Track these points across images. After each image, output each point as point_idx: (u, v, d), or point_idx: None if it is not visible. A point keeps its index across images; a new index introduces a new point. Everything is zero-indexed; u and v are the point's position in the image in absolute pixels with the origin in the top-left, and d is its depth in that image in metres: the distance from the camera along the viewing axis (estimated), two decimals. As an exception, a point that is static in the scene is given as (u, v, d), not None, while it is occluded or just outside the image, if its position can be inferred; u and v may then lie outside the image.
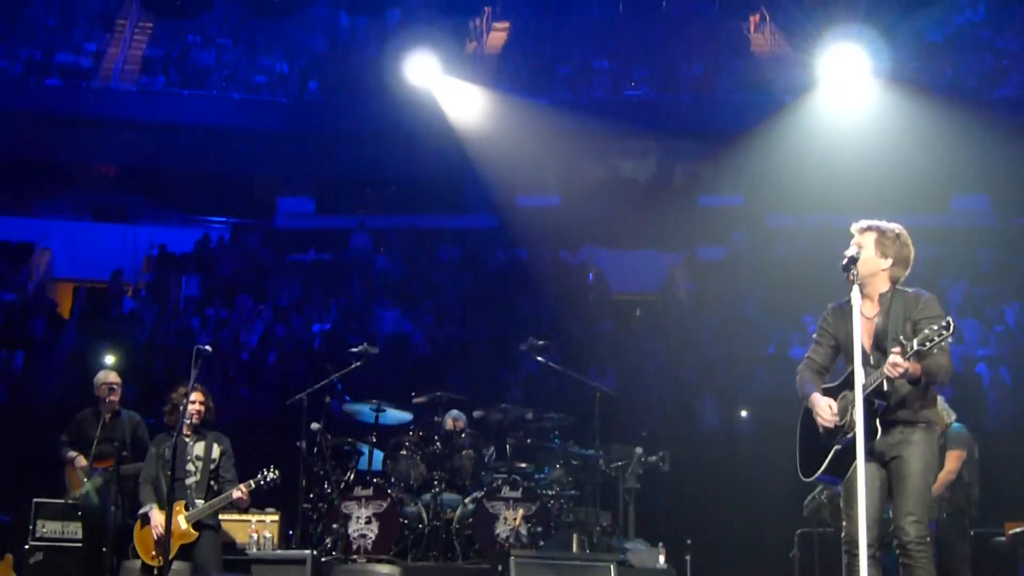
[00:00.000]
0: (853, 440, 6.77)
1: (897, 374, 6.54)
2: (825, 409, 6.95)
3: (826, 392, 7.09)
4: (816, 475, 7.12)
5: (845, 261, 6.75)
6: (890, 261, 7.00)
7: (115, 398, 11.51)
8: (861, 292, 6.82)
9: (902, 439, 6.76)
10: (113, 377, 11.60)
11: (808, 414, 7.24)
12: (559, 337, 18.34)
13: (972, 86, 24.13)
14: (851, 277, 6.70)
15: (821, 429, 7.02)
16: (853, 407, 6.77)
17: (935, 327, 6.48)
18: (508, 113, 22.89)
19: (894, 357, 6.50)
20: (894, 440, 6.69)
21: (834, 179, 21.13)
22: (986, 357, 17.76)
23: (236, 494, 9.50)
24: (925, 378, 6.72)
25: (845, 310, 7.14)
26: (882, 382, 6.72)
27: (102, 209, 26.62)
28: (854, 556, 6.83)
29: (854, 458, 6.86)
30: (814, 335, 7.39)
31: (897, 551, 6.64)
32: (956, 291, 20.95)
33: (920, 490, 6.79)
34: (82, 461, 11.21)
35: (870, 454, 6.81)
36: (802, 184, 22.17)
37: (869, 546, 6.84)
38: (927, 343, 6.47)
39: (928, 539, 6.83)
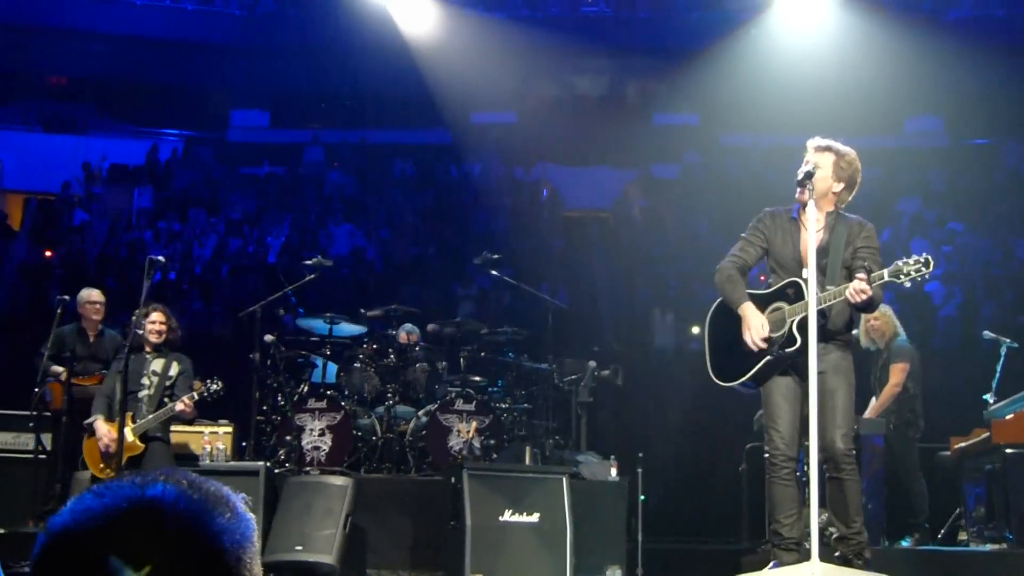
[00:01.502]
0: (787, 353, 6.87)
1: (860, 299, 6.61)
2: (758, 330, 6.99)
3: (752, 299, 7.15)
4: (738, 381, 7.18)
5: (801, 176, 6.78)
6: (842, 185, 7.07)
7: (99, 316, 11.50)
8: (807, 206, 6.89)
9: (825, 356, 6.82)
10: (97, 295, 11.57)
11: (726, 315, 7.27)
12: (512, 253, 18.36)
13: (928, 7, 24.12)
14: (807, 192, 6.74)
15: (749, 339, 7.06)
16: (794, 321, 6.85)
17: (910, 261, 6.54)
18: (464, 28, 22.70)
19: (861, 284, 6.55)
20: (819, 355, 6.72)
21: (788, 99, 21.14)
22: (935, 276, 17.92)
23: (179, 406, 9.51)
24: (871, 304, 6.82)
25: (781, 218, 7.22)
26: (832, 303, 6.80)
27: (53, 120, 26.30)
28: (780, 469, 6.97)
29: (778, 369, 6.97)
30: (744, 234, 7.39)
31: (825, 465, 6.72)
32: (907, 211, 21.12)
33: (846, 405, 6.94)
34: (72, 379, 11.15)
35: (792, 368, 6.92)
36: (756, 104, 22.19)
37: (793, 459, 6.99)
38: (901, 276, 6.54)
39: (854, 451, 6.98)
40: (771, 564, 7.06)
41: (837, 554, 6.92)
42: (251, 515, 1.73)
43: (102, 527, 1.61)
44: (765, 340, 6.94)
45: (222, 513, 1.68)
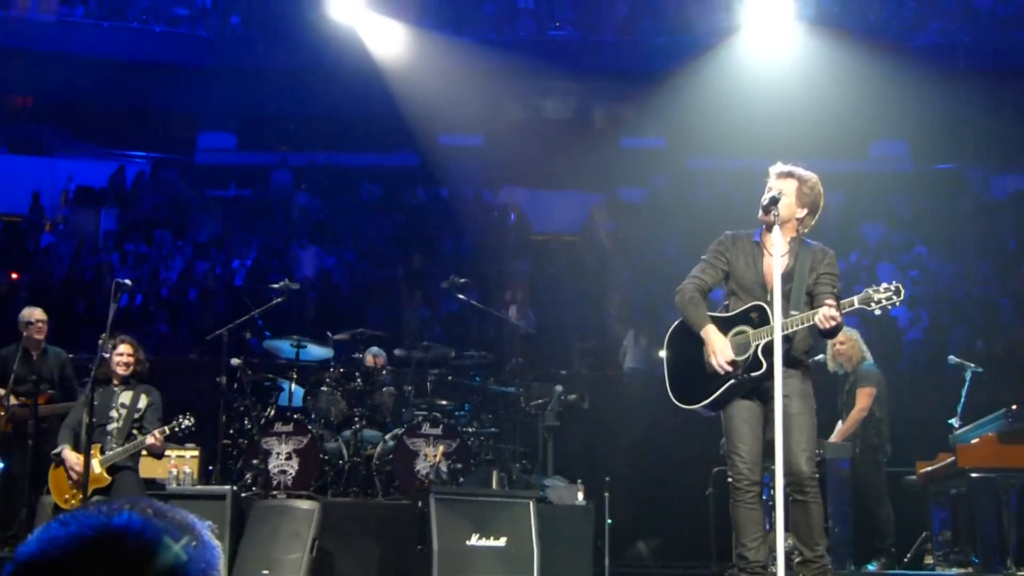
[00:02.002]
0: (752, 377, 6.90)
1: (830, 326, 6.66)
2: (723, 353, 7.01)
3: (713, 322, 7.17)
4: (699, 405, 7.20)
5: (767, 202, 6.82)
6: (805, 210, 7.12)
7: (41, 335, 11.43)
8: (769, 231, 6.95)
9: (786, 380, 6.79)
10: (39, 313, 11.51)
11: (686, 336, 7.29)
12: (480, 276, 18.38)
13: (893, 32, 24.29)
14: (772, 218, 6.77)
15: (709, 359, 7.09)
16: (759, 345, 6.89)
17: (880, 288, 6.61)
18: (431, 51, 22.73)
19: (830, 310, 6.60)
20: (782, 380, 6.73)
21: (755, 123, 21.26)
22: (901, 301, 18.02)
23: (150, 439, 9.47)
24: (835, 330, 6.87)
25: (743, 242, 7.27)
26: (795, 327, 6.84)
27: (19, 141, 26.18)
28: (745, 493, 7.00)
29: (740, 392, 7.01)
30: (705, 256, 7.41)
31: (789, 488, 6.74)
32: (872, 235, 21.25)
33: (809, 428, 6.99)
34: (13, 400, 11.08)
35: (753, 391, 6.96)
36: (723, 127, 22.29)
37: (757, 483, 7.02)
38: (871, 304, 6.60)
39: (817, 474, 7.02)
40: None
41: None
42: (217, 543, 1.76)
43: (68, 555, 1.63)
44: (730, 363, 6.97)
45: (188, 541, 1.70)
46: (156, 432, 9.50)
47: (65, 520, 1.69)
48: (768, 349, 6.74)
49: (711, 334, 7.06)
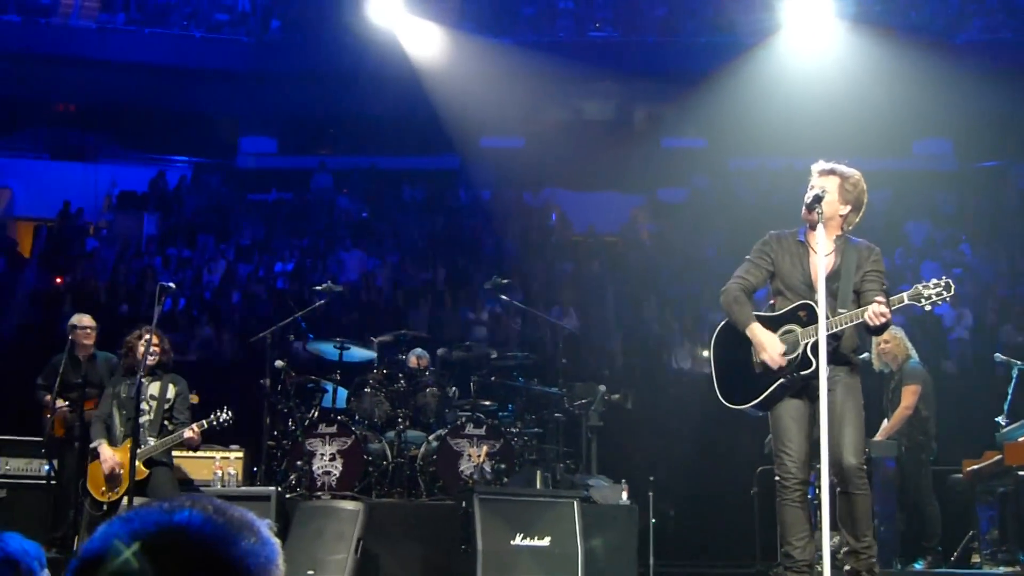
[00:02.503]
0: (801, 376, 6.90)
1: (879, 323, 6.68)
2: (776, 349, 7.02)
3: (760, 322, 7.18)
4: (747, 405, 7.20)
5: (810, 199, 6.82)
6: (848, 208, 7.12)
7: (90, 341, 11.54)
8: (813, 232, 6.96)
9: (834, 376, 6.87)
10: (87, 320, 11.63)
11: (732, 337, 7.30)
12: (522, 278, 18.39)
13: (936, 30, 24.14)
14: (816, 215, 6.77)
15: (758, 360, 7.10)
16: (808, 344, 6.90)
17: (930, 285, 6.62)
18: (471, 53, 22.78)
19: (880, 307, 6.62)
20: (828, 377, 6.75)
21: (796, 122, 21.17)
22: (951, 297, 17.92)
23: (187, 434, 9.54)
24: (884, 327, 6.89)
25: (787, 241, 7.27)
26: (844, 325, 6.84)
27: (62, 147, 26.36)
28: (791, 492, 7.01)
29: (789, 391, 7.00)
30: (749, 256, 7.44)
31: (836, 482, 6.74)
32: (916, 234, 21.12)
33: (856, 422, 7.00)
34: (60, 404, 11.19)
35: (801, 390, 6.96)
36: (764, 127, 22.22)
37: (804, 482, 7.03)
38: (921, 300, 6.61)
39: (865, 467, 7.01)
40: None
41: (847, 568, 6.91)
42: (275, 539, 1.78)
43: (131, 551, 1.66)
44: (783, 357, 6.98)
45: (246, 537, 1.73)
46: (194, 426, 9.58)
47: (128, 517, 1.72)
48: (816, 348, 6.74)
49: (757, 332, 7.08)
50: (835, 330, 6.78)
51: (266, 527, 1.79)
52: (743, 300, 7.27)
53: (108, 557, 1.67)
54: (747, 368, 7.17)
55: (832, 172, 7.11)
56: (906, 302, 6.70)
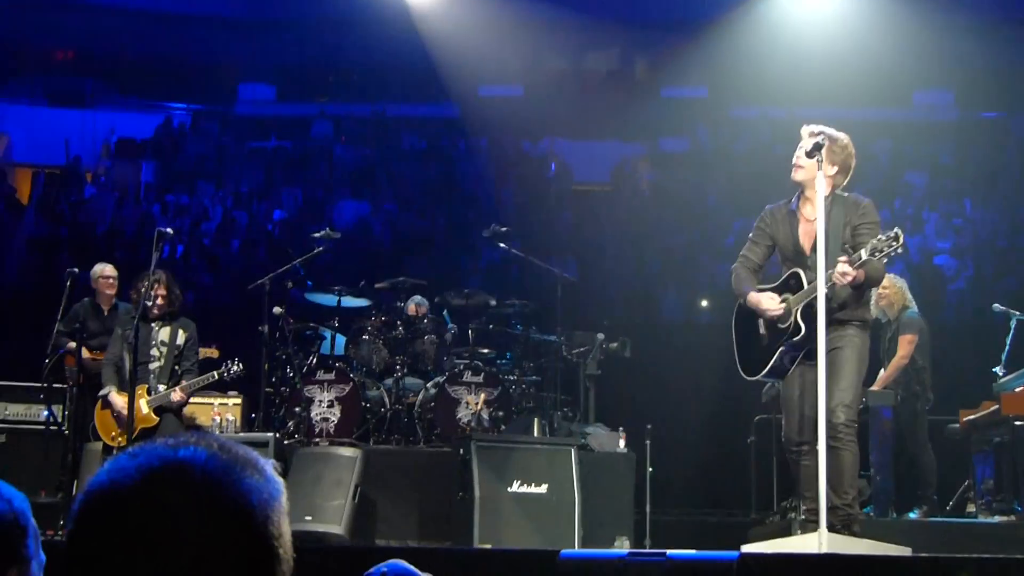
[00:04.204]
0: (797, 343, 7.01)
1: (845, 282, 6.78)
2: (771, 301, 7.15)
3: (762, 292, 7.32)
4: (760, 375, 7.37)
5: (811, 147, 6.89)
6: (835, 169, 7.24)
7: (112, 291, 11.55)
8: (803, 195, 7.11)
9: (835, 336, 7.00)
10: (110, 270, 11.65)
11: (745, 313, 7.48)
12: (521, 226, 18.36)
13: (938, -22, 23.97)
14: (817, 163, 6.85)
15: (763, 330, 7.26)
16: (797, 311, 7.01)
17: (883, 238, 6.68)
18: (471, 1, 22.63)
19: (842, 267, 6.77)
20: (830, 337, 6.87)
21: (798, 72, 21.05)
22: (945, 250, 17.93)
23: (174, 396, 9.67)
24: (866, 282, 6.97)
25: (780, 212, 7.43)
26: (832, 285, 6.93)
27: (60, 94, 26.22)
28: (793, 452, 7.23)
29: (790, 358, 7.13)
30: (751, 235, 7.67)
31: (827, 434, 6.82)
32: (917, 184, 21.08)
33: (852, 379, 7.13)
34: (86, 353, 11.20)
35: (808, 353, 7.04)
36: (766, 76, 22.07)
37: (806, 442, 7.14)
38: (876, 253, 6.66)
39: (855, 424, 7.15)
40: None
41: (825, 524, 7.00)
42: (279, 478, 1.81)
43: (136, 485, 1.69)
44: (775, 321, 7.14)
45: (251, 474, 1.75)
46: (178, 389, 9.67)
47: (134, 452, 1.75)
48: (806, 313, 6.89)
49: (753, 296, 7.36)
50: (815, 294, 6.88)
51: (271, 466, 1.81)
52: (743, 276, 7.54)
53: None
54: (758, 341, 7.36)
55: (821, 134, 7.18)
56: (864, 257, 6.78)
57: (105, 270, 11.64)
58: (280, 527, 1.76)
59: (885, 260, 6.86)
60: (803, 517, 7.40)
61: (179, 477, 1.69)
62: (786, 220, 7.41)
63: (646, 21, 25.32)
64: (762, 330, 7.35)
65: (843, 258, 6.80)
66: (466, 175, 22.90)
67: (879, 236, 6.77)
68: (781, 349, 7.20)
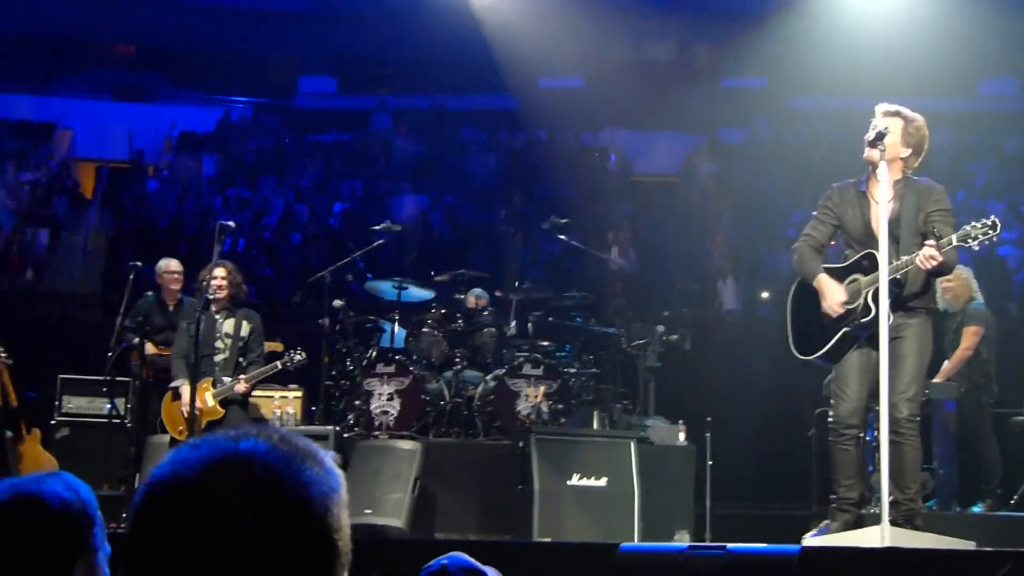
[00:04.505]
0: (864, 324, 6.92)
1: (931, 266, 6.66)
2: (836, 295, 7.08)
3: (829, 273, 7.22)
4: (817, 355, 7.28)
5: (873, 136, 6.81)
6: (909, 151, 7.15)
7: (177, 286, 11.65)
8: (873, 176, 6.97)
9: (902, 323, 6.93)
10: (175, 265, 11.75)
11: (805, 292, 7.39)
12: (580, 218, 18.32)
13: (1004, -34, 23.69)
14: (878, 153, 6.78)
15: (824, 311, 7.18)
16: (868, 292, 6.91)
17: (977, 225, 6.61)
18: (531, -8, 22.60)
19: (930, 250, 6.64)
20: (894, 324, 6.81)
21: (859, 61, 20.90)
22: (1010, 240, 17.72)
23: (239, 388, 9.73)
24: (943, 269, 6.89)
25: (848, 192, 7.31)
26: (906, 271, 6.86)
27: (122, 88, 26.47)
28: (840, 436, 7.12)
29: (855, 340, 7.04)
30: (815, 213, 7.54)
31: (889, 428, 6.76)
32: (981, 175, 20.84)
33: (915, 371, 7.03)
34: (151, 348, 11.31)
35: (872, 340, 6.96)
36: (825, 66, 21.92)
37: (855, 427, 7.08)
38: (968, 240, 6.59)
39: (918, 418, 7.06)
40: (823, 525, 7.21)
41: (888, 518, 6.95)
42: (339, 471, 1.82)
43: (197, 476, 1.71)
44: (842, 306, 7.02)
45: (311, 466, 1.76)
46: (241, 379, 9.72)
47: (196, 444, 1.77)
48: (877, 295, 6.77)
49: (822, 282, 7.19)
50: (894, 276, 6.78)
51: (330, 458, 1.82)
52: (808, 256, 7.40)
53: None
54: (817, 320, 7.27)
55: (897, 114, 7.13)
56: (955, 243, 6.69)
57: (170, 265, 11.74)
58: (340, 520, 1.77)
59: (977, 247, 6.80)
60: (833, 505, 7.31)
61: (240, 469, 1.71)
62: (855, 201, 7.29)
63: (706, 11, 25.22)
64: (825, 310, 7.27)
65: (931, 242, 6.69)
66: (526, 167, 22.88)
67: (973, 223, 6.69)
68: (845, 330, 7.11)
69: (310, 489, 1.73)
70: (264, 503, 1.69)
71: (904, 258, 6.81)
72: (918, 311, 7.12)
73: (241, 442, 1.75)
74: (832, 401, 7.38)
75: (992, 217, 6.66)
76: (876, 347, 6.86)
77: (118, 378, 11.52)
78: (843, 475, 7.25)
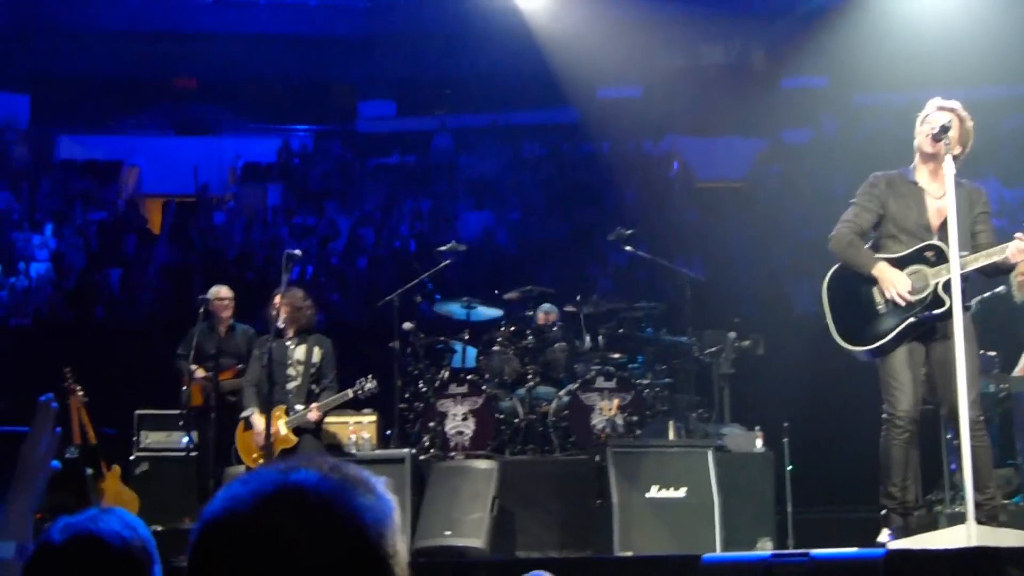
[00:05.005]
0: (934, 315, 6.84)
1: (1021, 258, 6.67)
2: (904, 283, 7.00)
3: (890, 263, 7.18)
4: (872, 346, 7.16)
5: (938, 129, 6.77)
6: (960, 149, 7.11)
7: (228, 313, 11.78)
8: (924, 169, 6.97)
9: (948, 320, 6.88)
10: (226, 292, 11.90)
11: (846, 279, 7.29)
12: (646, 228, 18.24)
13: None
14: (943, 146, 6.74)
15: (880, 297, 7.08)
16: (940, 283, 6.85)
17: None
18: (584, 3, 22.57)
19: (1021, 243, 6.68)
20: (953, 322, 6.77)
21: (920, 54, 20.65)
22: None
23: (312, 416, 9.76)
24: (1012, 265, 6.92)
25: (896, 182, 7.26)
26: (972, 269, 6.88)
27: (185, 123, 26.73)
28: (899, 430, 6.98)
29: (915, 332, 6.95)
30: (856, 200, 7.52)
31: (953, 431, 6.67)
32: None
33: (975, 373, 6.98)
34: (200, 373, 11.41)
35: (920, 335, 6.92)
36: (887, 61, 21.70)
37: (916, 421, 7.01)
38: None
39: (983, 419, 6.99)
40: (888, 531, 7.11)
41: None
42: (392, 496, 1.83)
43: (250, 511, 1.73)
44: (912, 294, 6.96)
45: (362, 493, 1.78)
46: (313, 407, 9.75)
47: (246, 479, 1.79)
48: (948, 287, 6.71)
49: (885, 270, 7.09)
50: (968, 269, 6.75)
51: (382, 484, 1.83)
52: (858, 243, 7.35)
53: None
54: (868, 308, 7.19)
55: (953, 111, 7.10)
56: None
57: (220, 292, 11.92)
58: (394, 544, 1.78)
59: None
60: (888, 510, 7.25)
61: (292, 500, 1.72)
62: (906, 191, 7.26)
63: (761, 12, 25.08)
64: (878, 297, 7.15)
65: (1019, 234, 6.72)
66: (589, 179, 22.84)
67: None
68: (911, 320, 7.01)
69: (363, 516, 1.74)
70: (317, 532, 1.70)
71: (967, 255, 6.80)
72: (969, 310, 7.15)
73: (291, 474, 1.76)
74: (887, 397, 7.22)
75: None
76: (924, 342, 6.84)
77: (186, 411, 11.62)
78: (898, 474, 7.16)
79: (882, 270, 7.11)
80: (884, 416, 7.21)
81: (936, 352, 6.99)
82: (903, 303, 7.00)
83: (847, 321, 7.37)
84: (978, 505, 6.79)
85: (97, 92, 26.27)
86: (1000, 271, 7.06)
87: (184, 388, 11.58)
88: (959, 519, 6.77)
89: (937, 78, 18.67)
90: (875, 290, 7.21)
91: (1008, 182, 18.97)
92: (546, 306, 12.85)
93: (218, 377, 11.25)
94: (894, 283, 7.03)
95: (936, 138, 6.89)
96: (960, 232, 6.86)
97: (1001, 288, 10.68)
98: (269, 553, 1.68)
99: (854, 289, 7.30)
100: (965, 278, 6.94)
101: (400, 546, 1.79)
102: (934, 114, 7.08)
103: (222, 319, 11.81)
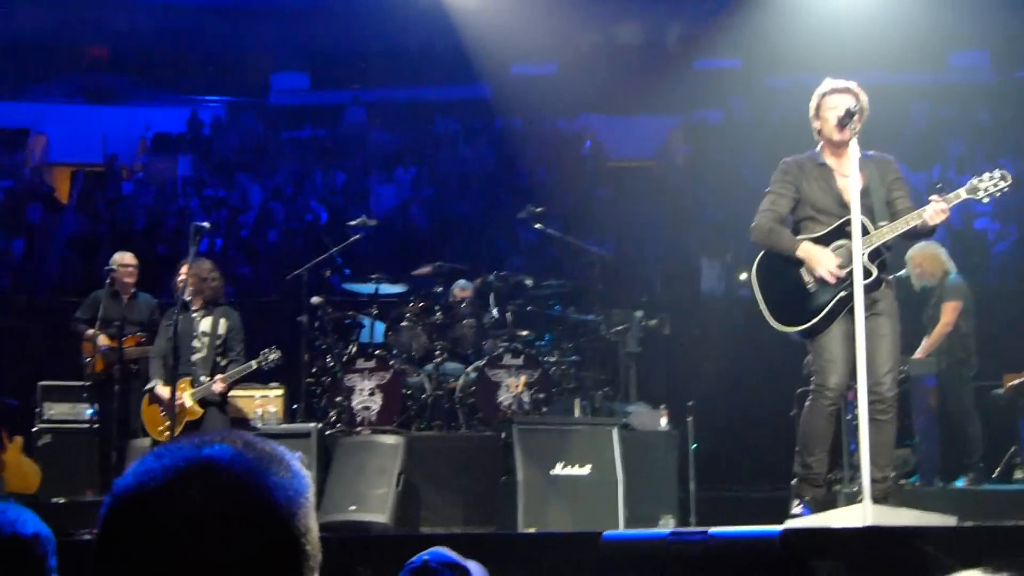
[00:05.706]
0: (868, 285, 6.91)
1: (940, 220, 6.81)
2: (830, 260, 7.08)
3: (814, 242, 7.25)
4: (807, 324, 7.24)
5: (843, 114, 6.86)
6: (859, 127, 7.14)
7: (131, 279, 11.65)
8: (831, 151, 7.08)
9: (880, 297, 7.10)
10: (129, 258, 11.75)
11: (773, 264, 7.36)
12: (557, 206, 18.30)
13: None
14: (849, 132, 6.83)
15: (809, 277, 7.16)
16: (866, 252, 6.94)
17: (986, 177, 6.73)
18: (500, -20, 22.54)
19: (940, 204, 6.76)
20: (874, 295, 6.88)
21: (832, 38, 20.87)
22: (986, 213, 17.75)
23: (216, 387, 9.71)
24: (926, 230, 6.97)
25: (807, 165, 7.37)
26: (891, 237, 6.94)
27: (95, 92, 26.35)
28: (827, 401, 7.08)
29: (846, 306, 7.03)
30: (771, 188, 7.54)
31: (870, 407, 6.76)
32: (954, 147, 20.89)
33: (896, 349, 7.14)
34: (104, 340, 11.29)
35: (852, 310, 6.99)
36: (799, 44, 21.88)
37: (842, 396, 7.14)
38: (976, 193, 6.74)
39: (898, 393, 7.09)
40: (799, 504, 7.20)
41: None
42: (306, 472, 1.82)
43: (162, 486, 1.70)
44: (840, 269, 7.05)
45: (276, 471, 1.76)
46: (218, 379, 9.71)
47: (159, 453, 1.76)
48: (874, 256, 6.84)
49: (810, 249, 7.19)
50: (891, 237, 6.87)
51: (297, 460, 1.82)
52: (779, 228, 7.41)
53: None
54: (798, 290, 7.26)
55: (848, 90, 7.23)
56: (964, 197, 6.81)
57: (125, 258, 11.78)
58: (307, 523, 1.77)
59: (987, 200, 6.91)
60: (801, 480, 7.40)
61: (205, 476, 1.71)
62: (818, 174, 7.35)
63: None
64: (807, 277, 7.25)
65: (935, 197, 6.79)
66: (501, 156, 22.84)
67: (980, 176, 6.80)
68: (842, 295, 7.07)
69: (276, 494, 1.73)
70: (230, 510, 1.69)
71: (885, 225, 6.90)
72: (889, 283, 7.23)
73: (205, 449, 1.75)
74: (815, 370, 7.31)
75: (1001, 170, 6.75)
76: (851, 317, 6.91)
77: (98, 381, 11.51)
78: (819, 445, 7.27)
79: (807, 250, 7.19)
80: (813, 388, 7.29)
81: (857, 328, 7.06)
82: (832, 280, 7.08)
83: (779, 304, 7.41)
84: (873, 482, 6.91)
85: (6, 58, 25.80)
86: (920, 235, 7.16)
87: (88, 359, 11.48)
88: (856, 498, 6.88)
89: (848, 63, 18.82)
90: (802, 271, 7.27)
91: (914, 166, 19.25)
92: (462, 282, 12.84)
93: (123, 344, 11.13)
94: (820, 261, 7.11)
95: (842, 123, 6.99)
96: (876, 203, 7.01)
97: (903, 272, 10.90)
98: (179, 528, 1.67)
99: (782, 272, 7.35)
100: (888, 246, 7.07)
101: (313, 524, 1.78)
102: (834, 98, 7.17)
103: (126, 286, 11.66)
